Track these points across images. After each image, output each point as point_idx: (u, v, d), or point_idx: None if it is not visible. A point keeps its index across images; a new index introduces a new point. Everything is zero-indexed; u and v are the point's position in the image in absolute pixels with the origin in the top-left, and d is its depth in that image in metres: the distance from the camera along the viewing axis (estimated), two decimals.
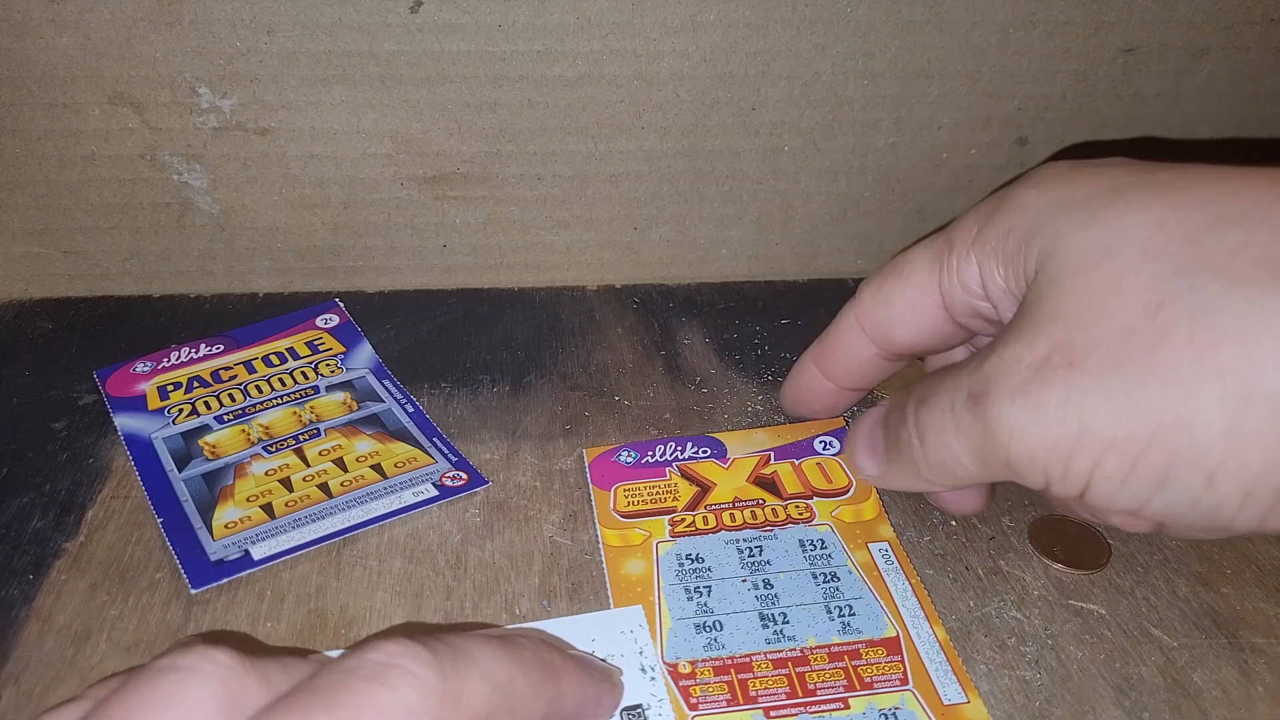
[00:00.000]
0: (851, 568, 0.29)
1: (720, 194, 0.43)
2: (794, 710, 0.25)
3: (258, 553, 0.30)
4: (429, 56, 0.37)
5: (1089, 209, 0.23)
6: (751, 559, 0.30)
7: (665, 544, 0.30)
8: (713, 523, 0.31)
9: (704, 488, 0.32)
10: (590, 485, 0.33)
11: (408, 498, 0.32)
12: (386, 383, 0.37)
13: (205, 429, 0.35)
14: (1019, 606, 0.30)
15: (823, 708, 0.25)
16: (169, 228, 0.41)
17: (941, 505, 0.32)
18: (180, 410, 0.35)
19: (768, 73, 0.40)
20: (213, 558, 0.29)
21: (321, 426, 0.35)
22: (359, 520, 0.31)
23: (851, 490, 0.32)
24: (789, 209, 0.44)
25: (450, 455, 0.34)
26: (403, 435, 0.34)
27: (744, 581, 0.29)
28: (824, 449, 0.34)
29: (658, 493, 0.32)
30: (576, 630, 0.27)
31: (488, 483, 0.33)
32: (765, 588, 0.29)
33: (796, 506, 0.31)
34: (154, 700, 0.17)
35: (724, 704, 0.25)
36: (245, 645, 0.21)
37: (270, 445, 0.34)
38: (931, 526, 0.32)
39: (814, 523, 0.31)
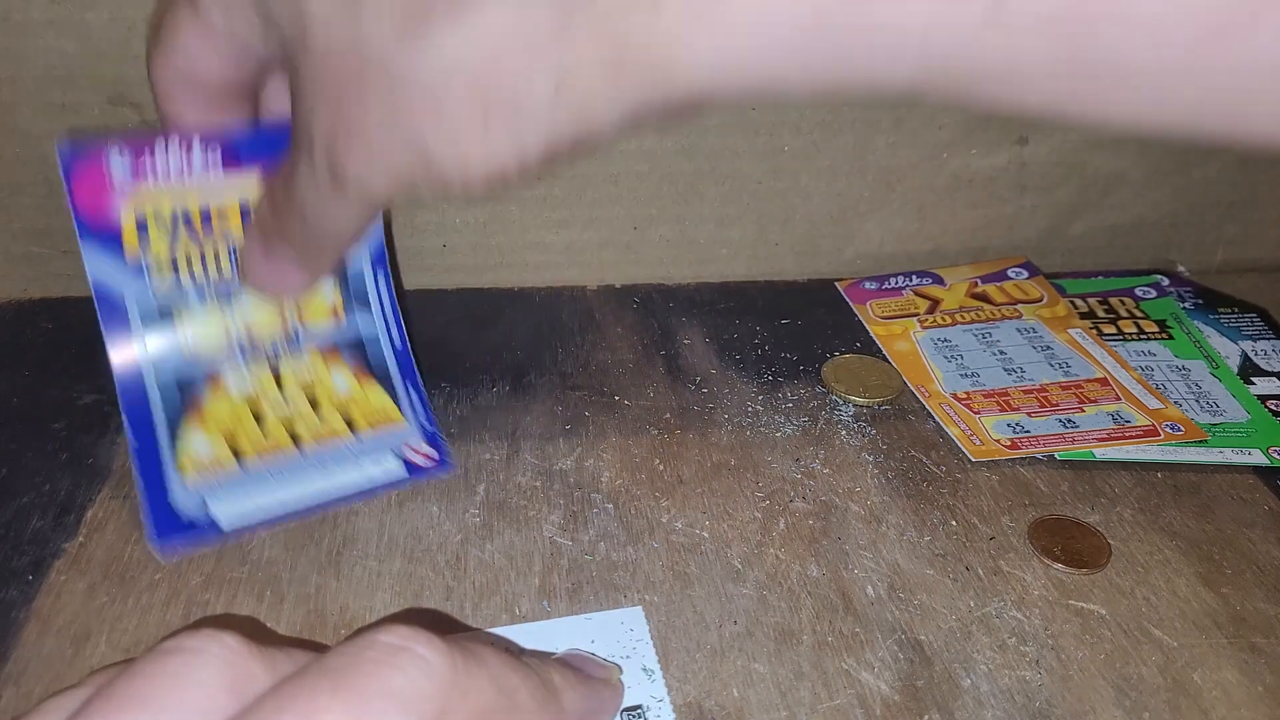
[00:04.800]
0: (1062, 342, 0.41)
1: (720, 194, 0.43)
2: (1046, 413, 0.37)
3: (223, 516, 0.29)
4: None
5: None
6: (985, 339, 0.41)
7: (918, 334, 0.42)
8: (948, 321, 0.42)
9: (934, 301, 0.44)
10: (850, 303, 0.44)
11: (372, 471, 0.32)
12: (380, 277, 0.33)
13: (182, 302, 0.30)
14: (1019, 606, 0.30)
15: (1066, 412, 0.37)
16: None
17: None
18: (159, 265, 0.30)
19: None
20: (180, 510, 0.29)
21: (302, 337, 0.32)
22: (323, 496, 0.31)
23: (1045, 299, 0.44)
24: (789, 209, 0.44)
25: (422, 416, 0.33)
26: (382, 375, 0.33)
27: (984, 352, 0.40)
28: (1015, 275, 0.46)
29: (902, 305, 0.44)
30: (577, 630, 0.27)
31: (452, 466, 0.33)
32: (1001, 354, 0.40)
33: (1009, 309, 0.43)
34: (160, 681, 0.17)
35: (995, 411, 0.37)
36: (253, 632, 0.21)
37: (249, 353, 0.31)
38: (931, 527, 0.32)
39: (1023, 319, 0.43)
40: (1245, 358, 0.42)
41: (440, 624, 0.28)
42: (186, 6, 0.27)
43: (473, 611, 0.29)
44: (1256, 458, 0.36)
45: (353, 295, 0.33)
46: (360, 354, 0.33)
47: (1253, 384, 0.40)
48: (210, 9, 0.27)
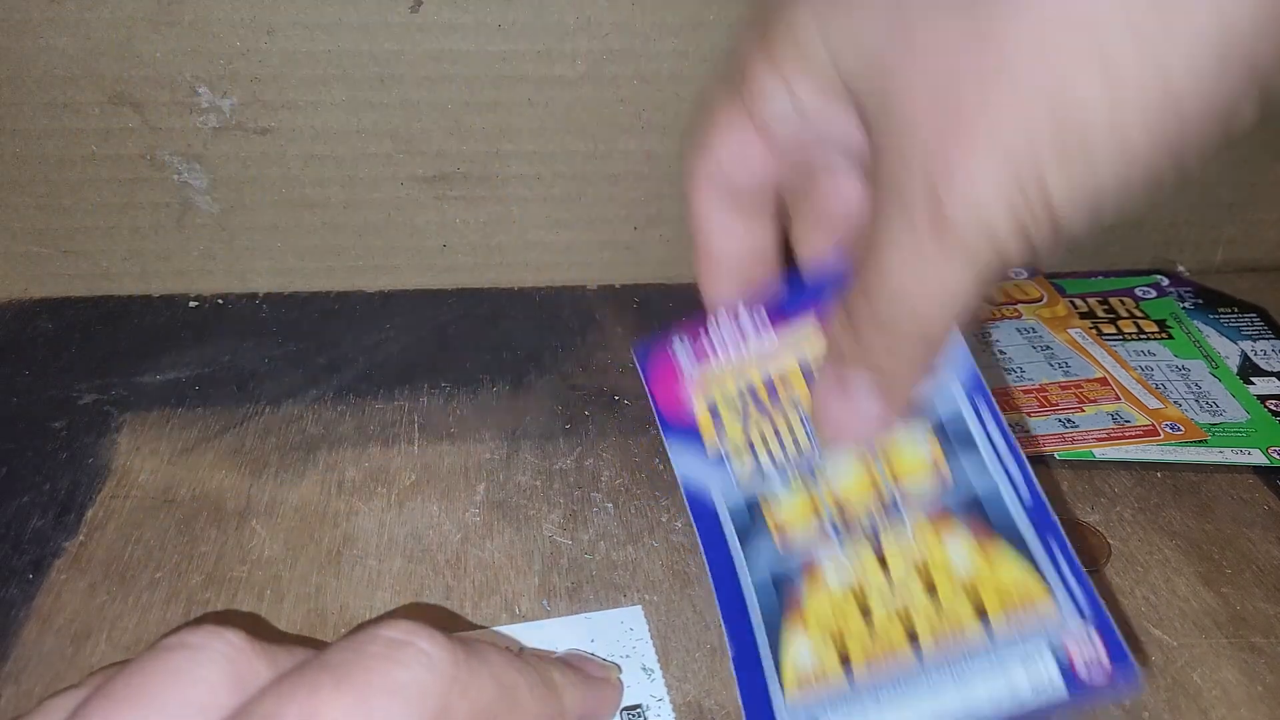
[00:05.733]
0: (1061, 341, 0.41)
1: None
2: (1046, 412, 0.37)
3: None
4: (429, 56, 0.38)
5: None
6: (984, 340, 0.41)
7: None
8: None
9: None
10: None
11: (1018, 680, 0.23)
12: (983, 408, 0.26)
13: (770, 494, 0.27)
14: None
15: (1065, 412, 0.37)
16: (169, 228, 0.41)
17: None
18: (737, 451, 0.28)
19: None
20: None
21: (903, 505, 0.26)
22: (953, 713, 0.23)
23: (1044, 299, 0.44)
24: None
25: (1079, 594, 0.23)
26: (1012, 537, 0.25)
27: (983, 351, 0.40)
28: (1015, 275, 0.46)
29: None
30: (576, 630, 0.27)
31: (1134, 673, 0.22)
32: (1001, 354, 0.40)
33: (1008, 308, 0.43)
34: (162, 677, 0.17)
35: None
36: (255, 629, 0.21)
37: (845, 535, 0.26)
38: None
39: (1023, 319, 0.43)
40: (1245, 358, 0.42)
41: (442, 619, 0.28)
42: (735, 105, 0.26)
43: (472, 611, 0.29)
44: (1256, 458, 0.36)
45: (953, 439, 0.26)
46: (979, 514, 0.25)
47: (1252, 384, 0.40)
48: (763, 100, 0.25)
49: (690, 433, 0.29)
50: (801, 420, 0.28)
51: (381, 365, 0.39)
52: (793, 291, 0.29)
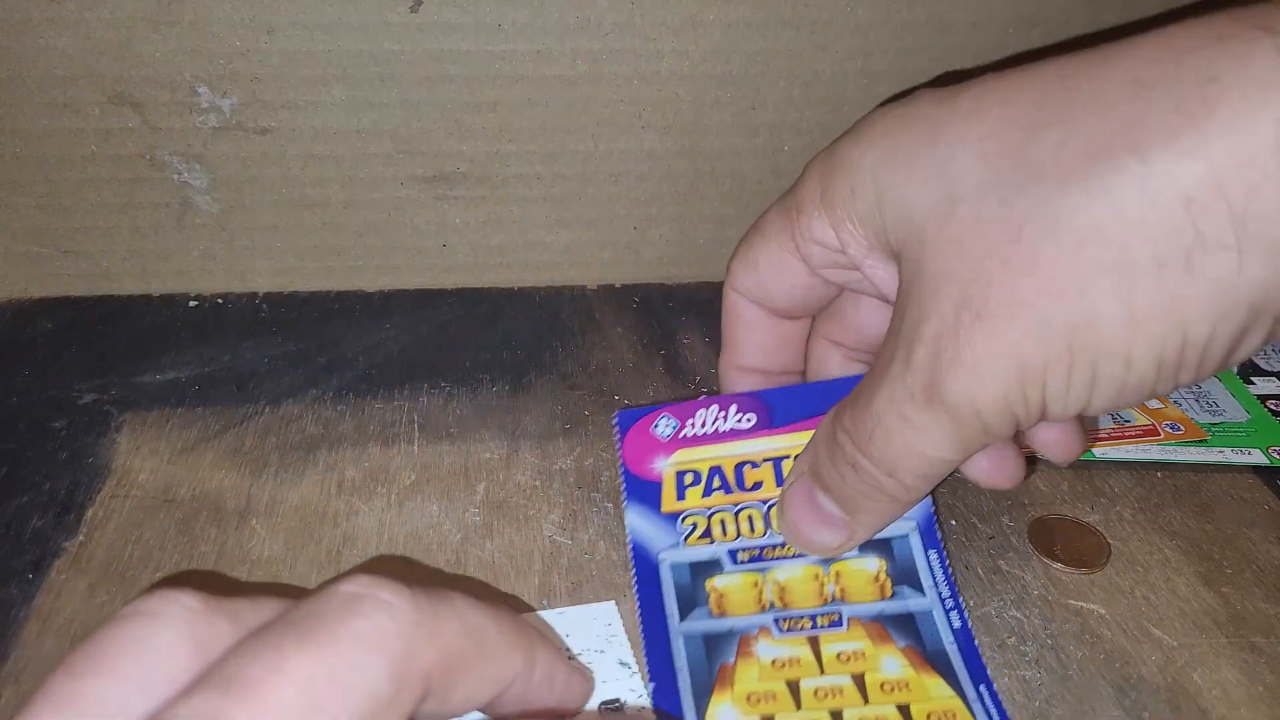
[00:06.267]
0: None
1: (720, 194, 0.43)
2: None
3: None
4: (429, 56, 0.38)
5: (920, 161, 0.24)
6: None
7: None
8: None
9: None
10: None
11: None
12: (932, 554, 0.29)
13: (715, 566, 0.29)
14: (1019, 606, 0.30)
15: None
16: (169, 228, 0.41)
17: (990, 483, 0.29)
18: (694, 526, 0.29)
19: (768, 73, 0.40)
20: None
21: (844, 612, 0.27)
22: None
23: None
24: None
25: (994, 713, 0.25)
26: (940, 664, 0.26)
27: None
28: None
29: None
30: (551, 626, 0.27)
31: None
32: None
33: None
34: (119, 646, 0.17)
35: None
36: (217, 585, 0.20)
37: (783, 620, 0.27)
38: None
39: None
40: None
41: (402, 569, 0.28)
42: (784, 232, 0.28)
43: None
44: (1256, 457, 0.36)
45: (901, 574, 0.28)
46: (912, 634, 0.27)
47: (1252, 384, 0.40)
48: (812, 236, 0.27)
49: (651, 488, 0.30)
50: (764, 515, 0.30)
51: (381, 365, 0.39)
52: (785, 399, 0.31)
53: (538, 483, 0.34)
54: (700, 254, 0.45)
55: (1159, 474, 0.35)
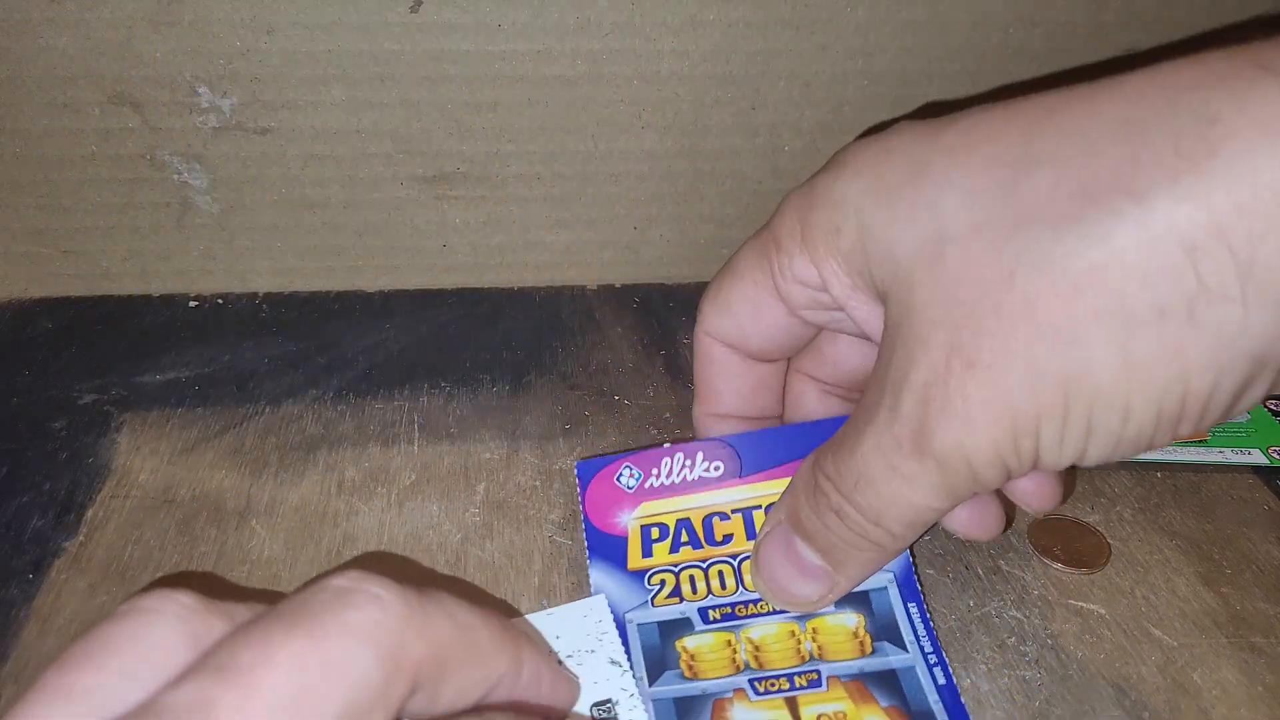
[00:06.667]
0: None
1: (720, 194, 0.43)
2: None
3: None
4: (429, 56, 0.38)
5: (906, 199, 0.23)
6: None
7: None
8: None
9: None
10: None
11: None
12: (912, 606, 0.28)
13: (686, 625, 0.27)
14: (1019, 606, 0.30)
15: None
16: (169, 228, 0.41)
17: (968, 534, 0.29)
18: (662, 584, 0.28)
19: (768, 73, 0.40)
20: None
21: (823, 671, 0.26)
22: None
23: None
24: None
25: None
26: (922, 713, 0.25)
27: None
28: None
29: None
30: (541, 627, 0.27)
31: None
32: None
33: None
34: (114, 641, 0.17)
35: None
36: (213, 586, 0.20)
37: (758, 681, 0.26)
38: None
39: None
40: None
41: (397, 568, 0.28)
42: (761, 270, 0.27)
43: None
44: (1256, 457, 0.36)
45: (881, 629, 0.27)
46: (895, 692, 0.26)
47: None
48: (791, 274, 0.26)
49: (615, 543, 0.29)
50: (735, 569, 0.29)
51: (381, 365, 0.39)
52: (754, 446, 0.30)
53: (538, 483, 0.34)
54: (700, 254, 0.45)
55: (1159, 474, 0.35)
